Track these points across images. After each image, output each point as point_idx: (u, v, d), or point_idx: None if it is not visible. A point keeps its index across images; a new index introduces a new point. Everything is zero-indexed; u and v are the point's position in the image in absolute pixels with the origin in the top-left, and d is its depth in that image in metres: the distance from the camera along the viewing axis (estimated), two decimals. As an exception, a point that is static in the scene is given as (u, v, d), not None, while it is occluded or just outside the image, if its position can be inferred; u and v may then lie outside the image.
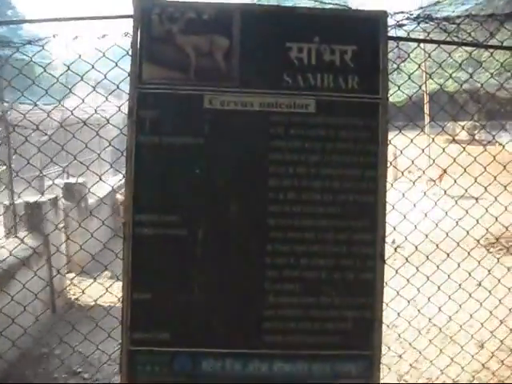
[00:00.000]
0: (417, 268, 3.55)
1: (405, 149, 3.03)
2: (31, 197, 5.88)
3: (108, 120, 3.16)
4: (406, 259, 3.49)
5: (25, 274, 4.75)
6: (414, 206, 3.72)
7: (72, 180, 7.79)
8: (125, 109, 2.02)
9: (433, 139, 3.37)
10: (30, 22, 2.57)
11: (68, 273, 6.64)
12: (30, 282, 4.46)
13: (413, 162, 3.07)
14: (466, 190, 3.42)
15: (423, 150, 3.58)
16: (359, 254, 1.91)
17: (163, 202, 1.88)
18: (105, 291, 4.10)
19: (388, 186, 1.98)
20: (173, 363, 1.87)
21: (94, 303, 5.90)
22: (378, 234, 1.92)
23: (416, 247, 3.68)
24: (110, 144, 3.01)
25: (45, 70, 2.63)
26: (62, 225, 6.35)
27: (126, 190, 1.87)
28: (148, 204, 1.87)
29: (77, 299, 6.30)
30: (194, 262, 1.87)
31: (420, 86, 3.18)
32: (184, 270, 1.88)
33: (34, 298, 3.94)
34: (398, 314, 3.58)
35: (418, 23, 2.11)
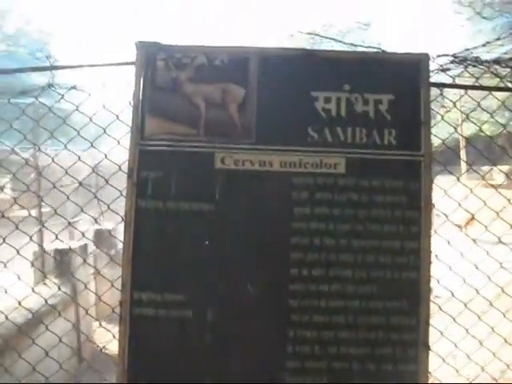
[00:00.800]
0: (453, 318, 3.20)
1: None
2: (61, 243, 5.81)
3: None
4: (440, 307, 3.13)
5: (52, 321, 4.54)
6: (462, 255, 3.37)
7: (102, 227, 7.78)
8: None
9: (471, 190, 2.99)
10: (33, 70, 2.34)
11: (96, 320, 6.52)
12: (58, 329, 4.33)
13: (447, 216, 2.74)
14: (499, 238, 3.08)
15: (460, 204, 3.21)
16: (398, 341, 1.60)
17: (166, 277, 1.60)
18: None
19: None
20: None
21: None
22: (420, 318, 1.61)
23: (452, 294, 3.32)
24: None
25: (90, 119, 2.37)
26: (91, 272, 6.27)
27: (123, 261, 1.60)
28: (148, 280, 1.61)
29: (104, 347, 6.11)
30: (201, 349, 1.58)
31: (455, 130, 2.86)
32: (190, 358, 1.59)
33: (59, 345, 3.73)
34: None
35: (466, 67, 1.82)
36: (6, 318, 3.22)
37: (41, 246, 5.57)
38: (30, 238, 2.63)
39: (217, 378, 1.57)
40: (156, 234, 1.61)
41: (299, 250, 1.59)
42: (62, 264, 5.64)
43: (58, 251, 5.64)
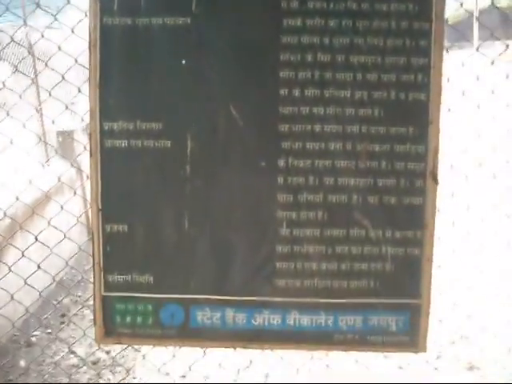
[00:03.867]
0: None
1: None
2: (63, 125, 5.70)
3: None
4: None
5: (62, 197, 4.64)
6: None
7: None
8: None
9: (492, 62, 2.72)
10: None
11: None
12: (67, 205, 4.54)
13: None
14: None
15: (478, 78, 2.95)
16: (404, 170, 1.42)
17: (138, 103, 1.41)
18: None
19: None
20: (159, 313, 1.46)
21: None
22: (429, 145, 1.41)
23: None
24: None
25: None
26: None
27: (90, 84, 1.40)
28: (119, 107, 1.42)
29: None
30: (182, 182, 1.42)
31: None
32: (170, 193, 1.43)
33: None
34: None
35: None
36: (17, 198, 3.11)
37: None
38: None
39: (199, 213, 1.42)
40: (124, 53, 1.40)
41: (289, 66, 1.38)
42: (65, 145, 5.55)
43: (61, 133, 5.57)
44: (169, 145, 1.40)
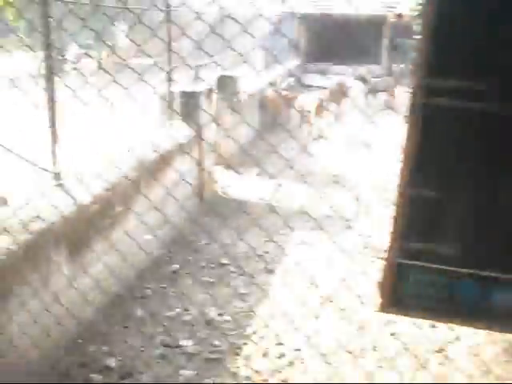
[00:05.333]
0: None
1: None
2: (186, 86, 5.78)
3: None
4: None
5: (178, 160, 4.83)
6: None
7: (226, 73, 7.62)
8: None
9: None
10: None
11: (216, 165, 6.64)
12: (182, 169, 4.65)
13: None
14: None
15: None
16: None
17: (465, 61, 1.29)
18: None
19: None
20: (455, 288, 1.36)
21: (241, 198, 5.96)
22: None
23: None
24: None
25: None
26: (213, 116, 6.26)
27: (422, 36, 1.28)
28: (448, 62, 1.30)
29: (224, 192, 6.22)
30: (505, 152, 1.30)
31: None
32: (490, 163, 1.31)
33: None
34: None
35: None
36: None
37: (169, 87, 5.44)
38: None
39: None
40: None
41: None
42: (187, 106, 5.56)
43: (184, 93, 5.58)
44: (496, 108, 1.28)
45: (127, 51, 7.51)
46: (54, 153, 3.29)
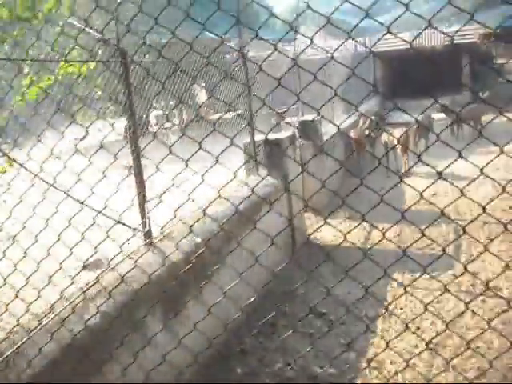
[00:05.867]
0: None
1: None
2: (269, 134, 5.78)
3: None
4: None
5: (267, 210, 4.64)
6: None
7: (307, 117, 7.59)
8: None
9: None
10: None
11: (305, 212, 6.58)
12: (272, 219, 4.44)
13: None
14: None
15: None
16: None
17: None
18: (346, 232, 3.66)
19: None
20: None
21: (333, 243, 5.77)
22: None
23: None
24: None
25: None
26: (298, 162, 6.29)
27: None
28: None
29: (316, 239, 6.09)
30: None
31: None
32: None
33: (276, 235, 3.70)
34: None
35: None
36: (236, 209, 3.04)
37: (253, 136, 5.45)
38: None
39: None
40: None
41: None
42: (271, 154, 5.53)
43: (268, 141, 5.54)
44: None
45: (208, 106, 7.75)
46: (142, 213, 3.36)
